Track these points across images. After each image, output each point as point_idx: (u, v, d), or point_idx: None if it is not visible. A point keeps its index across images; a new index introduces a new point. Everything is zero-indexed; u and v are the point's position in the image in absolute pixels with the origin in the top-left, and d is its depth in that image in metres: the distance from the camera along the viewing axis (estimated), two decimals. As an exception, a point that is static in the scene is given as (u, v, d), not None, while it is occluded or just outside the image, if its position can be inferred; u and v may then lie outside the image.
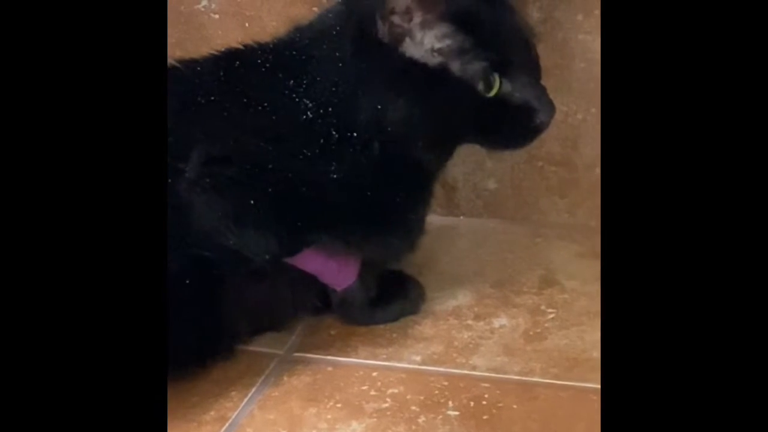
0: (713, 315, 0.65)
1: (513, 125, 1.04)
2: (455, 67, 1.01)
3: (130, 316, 0.68)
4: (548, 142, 1.35)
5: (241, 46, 1.09)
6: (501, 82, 1.02)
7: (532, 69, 1.06)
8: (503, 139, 1.07)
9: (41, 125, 0.67)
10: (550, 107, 1.04)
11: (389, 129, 1.01)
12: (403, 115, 1.01)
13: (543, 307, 1.19)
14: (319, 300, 1.15)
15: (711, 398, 0.65)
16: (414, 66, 1.01)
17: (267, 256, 1.03)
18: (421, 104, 1.01)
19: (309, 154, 1.01)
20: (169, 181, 0.98)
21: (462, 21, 1.00)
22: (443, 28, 1.00)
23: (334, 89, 1.02)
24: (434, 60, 1.01)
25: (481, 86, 1.01)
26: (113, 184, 0.68)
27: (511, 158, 1.38)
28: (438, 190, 1.28)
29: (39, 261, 0.66)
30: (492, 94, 1.02)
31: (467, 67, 1.01)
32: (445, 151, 1.09)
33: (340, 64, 1.02)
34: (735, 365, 0.65)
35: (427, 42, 1.00)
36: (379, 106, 1.00)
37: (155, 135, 0.70)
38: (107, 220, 0.68)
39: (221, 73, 1.05)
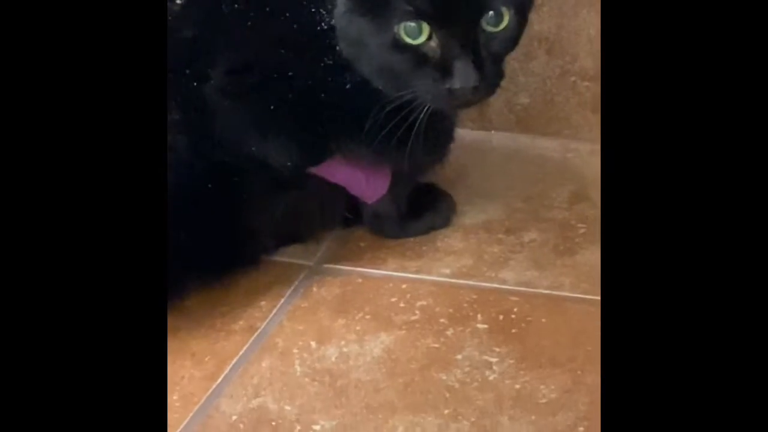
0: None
1: (429, 81, 1.00)
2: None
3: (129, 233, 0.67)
4: (581, 56, 1.33)
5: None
6: (430, 36, 0.98)
7: (467, 37, 1.02)
8: (422, 92, 1.00)
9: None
10: (467, 78, 0.98)
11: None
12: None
13: (573, 222, 1.18)
14: (349, 212, 1.15)
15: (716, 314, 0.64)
16: None
17: (290, 164, 1.03)
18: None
19: (328, 62, 1.00)
20: (195, 85, 1.00)
21: None
22: None
23: None
24: None
25: (401, 30, 0.98)
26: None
27: (544, 72, 1.37)
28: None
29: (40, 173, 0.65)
30: (413, 42, 0.99)
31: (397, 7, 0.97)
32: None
33: None
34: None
35: None
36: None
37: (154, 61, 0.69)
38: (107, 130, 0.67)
39: None
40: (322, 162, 1.06)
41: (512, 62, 1.10)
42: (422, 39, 0.96)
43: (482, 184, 1.28)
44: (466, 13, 0.96)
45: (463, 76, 0.96)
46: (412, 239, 1.16)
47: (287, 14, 1.01)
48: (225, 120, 1.01)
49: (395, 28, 0.96)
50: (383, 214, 1.14)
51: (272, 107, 1.00)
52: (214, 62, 1.00)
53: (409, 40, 0.96)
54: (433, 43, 0.97)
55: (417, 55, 0.97)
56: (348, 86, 1.01)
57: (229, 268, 1.08)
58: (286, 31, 1.01)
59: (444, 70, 0.97)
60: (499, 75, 1.01)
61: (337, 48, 1.00)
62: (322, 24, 1.00)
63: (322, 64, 1.00)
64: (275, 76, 1.00)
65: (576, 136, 1.38)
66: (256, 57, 1.01)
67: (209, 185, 1.02)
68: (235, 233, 1.06)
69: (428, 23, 0.96)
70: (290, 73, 1.00)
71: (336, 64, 1.00)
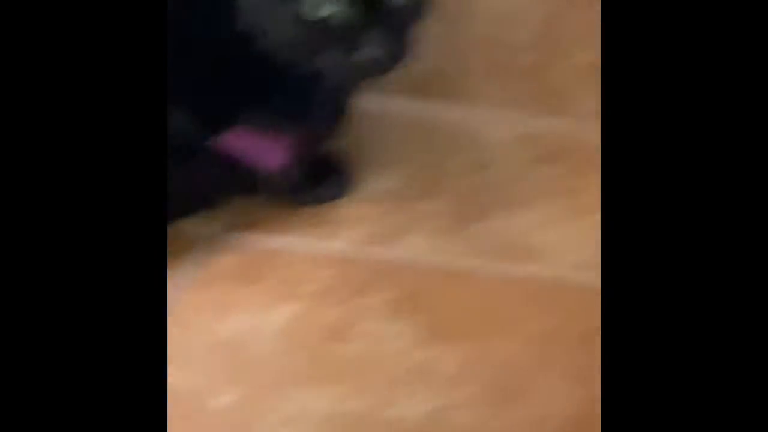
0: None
1: (334, 55, 0.99)
2: None
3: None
4: (479, 20, 1.33)
5: None
6: (334, 8, 0.97)
7: (372, 7, 0.99)
8: (327, 66, 0.99)
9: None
10: (373, 49, 0.96)
11: None
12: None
13: (472, 191, 1.18)
14: (248, 181, 1.13)
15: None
16: None
17: (188, 134, 1.01)
18: None
19: (232, 30, 0.98)
20: None
21: None
22: None
23: None
24: None
25: (305, 4, 0.97)
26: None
27: (441, 36, 1.36)
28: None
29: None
30: (317, 15, 0.97)
31: None
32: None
33: None
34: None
35: None
36: None
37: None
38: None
39: None
40: (221, 132, 1.04)
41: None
42: (327, 11, 0.95)
43: (380, 152, 1.27)
44: None
45: (370, 48, 0.95)
46: (311, 209, 1.15)
47: None
48: None
49: (298, 2, 0.94)
50: (282, 184, 1.13)
51: (172, 77, 0.98)
52: None
53: (313, 13, 0.95)
54: (337, 15, 0.96)
55: (321, 29, 0.96)
56: (251, 55, 0.98)
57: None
58: None
59: (350, 42, 0.95)
60: (406, 45, 1.00)
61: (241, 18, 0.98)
62: None
63: (226, 33, 0.98)
64: (179, 41, 0.97)
65: (474, 103, 1.38)
66: None
67: None
68: None
69: None
70: (197, 38, 0.97)
71: (240, 33, 0.98)
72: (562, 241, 1.06)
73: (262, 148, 1.07)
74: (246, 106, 1.02)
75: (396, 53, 0.99)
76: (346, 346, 0.97)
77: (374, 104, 1.34)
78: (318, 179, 1.16)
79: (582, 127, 1.16)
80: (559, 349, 0.97)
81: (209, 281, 1.04)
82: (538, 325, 0.99)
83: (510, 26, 1.34)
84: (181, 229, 1.11)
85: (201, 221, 1.13)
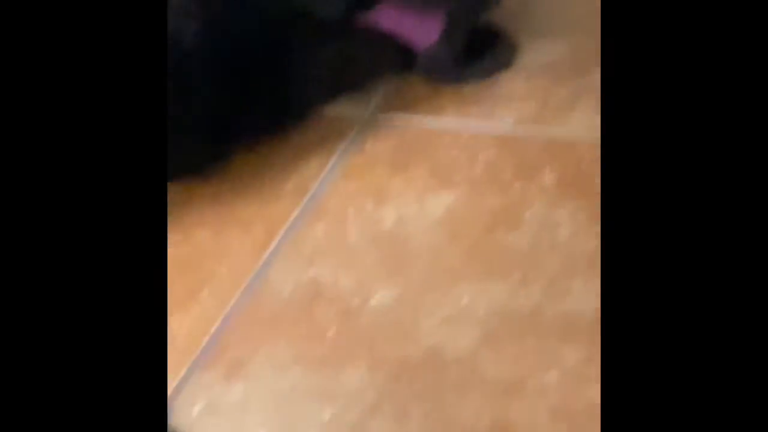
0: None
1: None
2: None
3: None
4: None
5: None
6: None
7: None
8: None
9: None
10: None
11: None
12: None
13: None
14: (402, 58, 1.07)
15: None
16: None
17: (337, 12, 0.97)
18: None
19: None
20: None
21: None
22: None
23: None
24: None
25: None
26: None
27: None
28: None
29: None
30: None
31: None
32: None
33: None
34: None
35: None
36: None
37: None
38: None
39: None
40: (370, 8, 0.98)
41: None
42: None
43: (545, 20, 1.18)
44: None
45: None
46: (470, 85, 1.08)
47: None
48: None
49: None
50: (438, 60, 1.06)
51: None
52: None
53: None
54: None
55: None
56: None
57: (276, 124, 1.02)
58: None
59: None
60: None
61: None
62: None
63: None
64: None
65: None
66: None
67: (252, 38, 0.96)
68: (281, 87, 0.99)
69: None
70: None
71: None
72: None
73: (413, 24, 1.03)
74: None
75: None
76: (513, 234, 0.90)
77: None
78: (477, 53, 1.10)
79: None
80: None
81: (363, 167, 0.99)
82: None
83: None
84: (333, 112, 1.06)
85: (354, 103, 1.08)
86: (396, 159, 1.00)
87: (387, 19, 1.00)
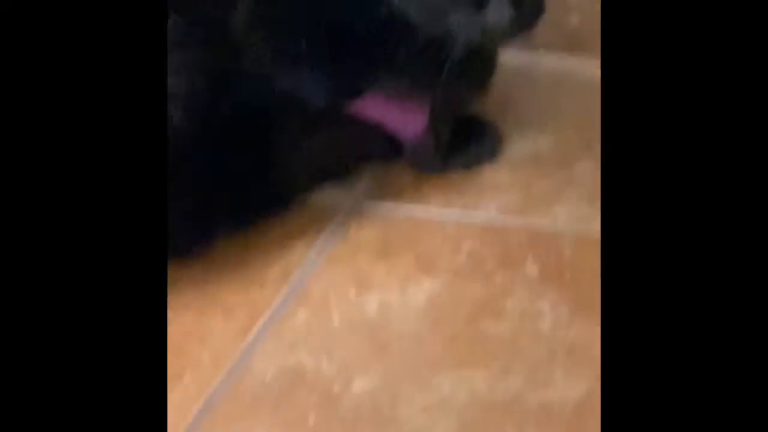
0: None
1: (462, 17, 0.96)
2: None
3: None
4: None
5: None
6: None
7: None
8: (456, 28, 0.97)
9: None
10: (501, 12, 0.95)
11: None
12: None
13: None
14: (389, 147, 1.08)
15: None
16: None
17: (323, 101, 0.98)
18: None
19: None
20: (218, 15, 0.95)
21: None
22: None
23: None
24: None
25: None
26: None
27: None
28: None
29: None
30: None
31: None
32: None
33: None
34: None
35: None
36: None
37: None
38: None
39: None
40: (356, 97, 0.99)
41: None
42: None
43: (530, 111, 1.20)
44: None
45: (497, 11, 0.93)
46: (456, 175, 1.09)
47: None
48: (252, 54, 0.95)
49: None
50: (424, 150, 1.07)
51: (303, 40, 0.95)
52: None
53: None
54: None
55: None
56: (383, 17, 0.95)
57: (260, 211, 1.02)
58: None
59: (478, 4, 0.93)
60: (539, 7, 0.97)
61: None
62: None
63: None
64: (307, 5, 0.96)
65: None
66: None
67: (235, 126, 0.96)
68: (265, 174, 1.00)
69: None
70: (322, 3, 0.95)
71: None
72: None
73: (399, 114, 1.03)
74: (381, 70, 0.99)
75: (530, 16, 0.97)
76: (495, 323, 0.91)
77: (522, 61, 1.27)
78: (462, 143, 1.10)
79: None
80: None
81: (347, 255, 0.99)
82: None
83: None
84: (318, 199, 1.07)
85: (339, 190, 1.08)
86: (380, 247, 1.00)
87: (373, 109, 1.01)
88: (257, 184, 1.00)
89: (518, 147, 1.12)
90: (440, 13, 0.94)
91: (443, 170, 1.09)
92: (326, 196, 1.07)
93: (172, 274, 0.95)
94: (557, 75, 1.28)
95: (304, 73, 0.97)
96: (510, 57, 1.14)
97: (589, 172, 1.07)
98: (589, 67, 1.28)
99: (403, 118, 1.03)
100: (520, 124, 1.16)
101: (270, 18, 0.95)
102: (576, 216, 1.01)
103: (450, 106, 1.06)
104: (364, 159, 1.09)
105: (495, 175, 1.09)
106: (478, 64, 1.03)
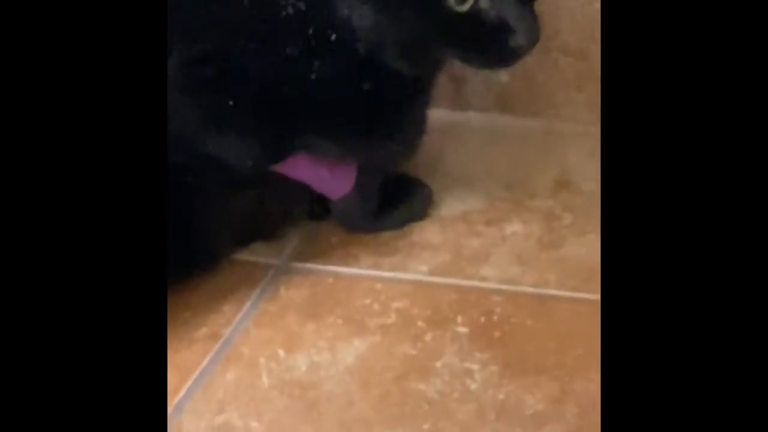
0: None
1: (487, 44, 0.95)
2: None
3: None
4: (563, 31, 1.26)
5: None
6: None
7: None
8: (479, 57, 0.98)
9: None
10: (531, 32, 0.94)
11: (358, 33, 0.94)
12: (370, 22, 0.94)
13: (558, 212, 1.11)
14: (317, 207, 1.09)
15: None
16: None
17: (249, 163, 0.98)
18: (387, 11, 0.94)
19: (290, 53, 0.95)
20: None
21: None
22: None
23: None
24: None
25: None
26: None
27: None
28: (445, 83, 1.22)
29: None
30: (464, 8, 0.92)
31: None
32: (424, 61, 1.01)
33: None
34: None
35: None
36: (346, 11, 0.93)
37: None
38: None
39: None
40: (283, 160, 0.99)
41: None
42: (471, 2, 0.92)
43: (460, 170, 1.21)
44: None
45: (528, 31, 0.93)
46: (385, 234, 1.09)
47: (244, 1, 0.95)
48: (178, 117, 0.93)
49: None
50: (353, 210, 1.07)
51: (230, 103, 0.95)
52: (168, 54, 0.93)
53: (458, 8, 0.92)
54: (484, 4, 0.92)
55: (471, 21, 0.92)
56: (313, 77, 0.95)
57: (187, 271, 1.01)
58: (245, 18, 0.95)
59: (503, 29, 0.93)
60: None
61: (309, 34, 0.94)
62: (287, 9, 0.94)
63: (285, 55, 0.94)
64: (234, 68, 0.95)
65: (559, 116, 1.31)
66: (213, 48, 0.95)
67: None
68: (191, 235, 0.99)
69: None
70: (250, 66, 0.95)
71: (300, 53, 0.94)
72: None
73: (327, 174, 1.03)
74: (309, 131, 0.99)
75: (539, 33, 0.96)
76: (424, 384, 0.90)
77: (452, 120, 1.29)
78: (391, 202, 1.11)
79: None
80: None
81: (276, 314, 0.99)
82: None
83: (591, 36, 1.26)
84: (247, 258, 1.07)
85: (268, 250, 1.08)
86: (309, 306, 1.00)
87: (301, 169, 1.01)
88: (182, 243, 0.99)
89: (448, 206, 1.13)
90: (462, 48, 0.96)
91: (373, 230, 1.10)
92: (256, 255, 1.07)
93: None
94: (487, 134, 1.29)
95: (229, 135, 0.96)
96: (440, 116, 1.15)
97: (518, 231, 1.08)
98: (519, 126, 1.29)
99: (331, 177, 1.03)
100: (450, 183, 1.17)
101: (196, 81, 0.95)
102: (506, 275, 1.02)
103: (378, 168, 1.06)
104: (293, 219, 1.09)
105: (425, 234, 1.09)
106: (410, 123, 1.04)
